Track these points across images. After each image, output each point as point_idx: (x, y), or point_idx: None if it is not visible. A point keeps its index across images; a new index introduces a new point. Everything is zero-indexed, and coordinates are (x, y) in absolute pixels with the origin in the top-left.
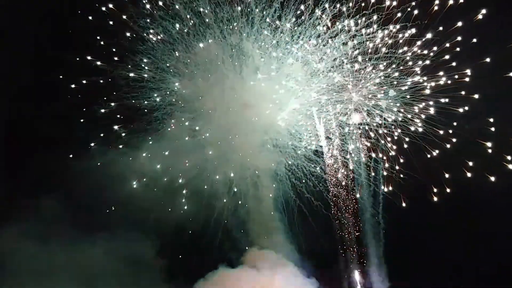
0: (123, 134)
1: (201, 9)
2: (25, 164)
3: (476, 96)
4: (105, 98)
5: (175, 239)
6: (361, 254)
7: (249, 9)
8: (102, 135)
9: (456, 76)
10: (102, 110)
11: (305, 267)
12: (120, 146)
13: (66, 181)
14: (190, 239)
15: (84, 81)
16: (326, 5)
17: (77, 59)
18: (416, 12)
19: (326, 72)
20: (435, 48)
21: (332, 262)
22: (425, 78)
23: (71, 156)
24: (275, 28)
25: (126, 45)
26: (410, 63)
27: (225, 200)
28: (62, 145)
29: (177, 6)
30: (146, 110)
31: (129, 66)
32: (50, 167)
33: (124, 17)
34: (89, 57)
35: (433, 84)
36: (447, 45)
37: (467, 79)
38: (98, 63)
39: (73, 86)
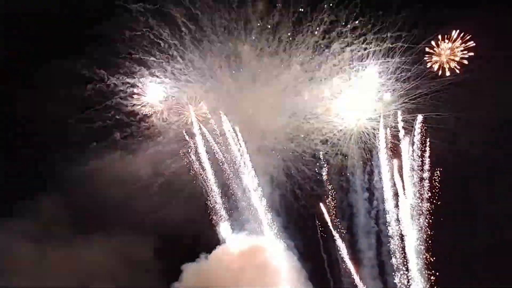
0: (121, 138)
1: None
2: (23, 164)
3: None
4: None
5: (172, 241)
6: (355, 257)
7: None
8: (99, 138)
9: None
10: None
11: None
12: (118, 150)
13: (64, 182)
14: (188, 241)
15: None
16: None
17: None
18: None
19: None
20: None
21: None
22: None
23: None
24: (273, 36)
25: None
26: None
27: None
28: (60, 147)
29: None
30: (142, 115)
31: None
32: (48, 169)
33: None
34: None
35: None
36: None
37: None
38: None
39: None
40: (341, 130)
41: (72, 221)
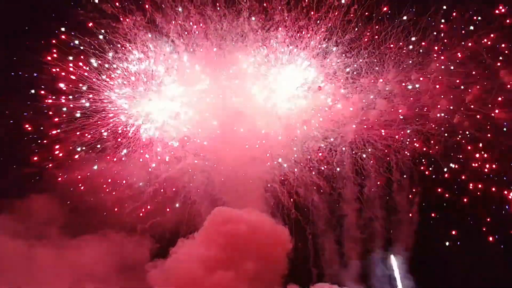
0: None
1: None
2: (17, 163)
3: None
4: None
5: (170, 243)
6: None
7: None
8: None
9: None
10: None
11: None
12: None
13: (58, 182)
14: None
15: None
16: None
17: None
18: None
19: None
20: None
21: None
22: None
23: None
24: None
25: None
26: None
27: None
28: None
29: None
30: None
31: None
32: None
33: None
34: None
35: None
36: None
37: None
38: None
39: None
40: (336, 138)
41: (66, 220)
